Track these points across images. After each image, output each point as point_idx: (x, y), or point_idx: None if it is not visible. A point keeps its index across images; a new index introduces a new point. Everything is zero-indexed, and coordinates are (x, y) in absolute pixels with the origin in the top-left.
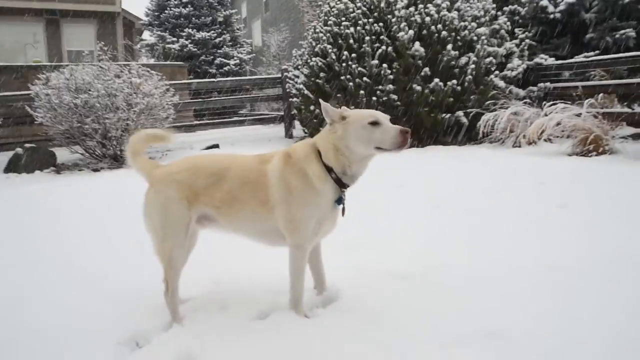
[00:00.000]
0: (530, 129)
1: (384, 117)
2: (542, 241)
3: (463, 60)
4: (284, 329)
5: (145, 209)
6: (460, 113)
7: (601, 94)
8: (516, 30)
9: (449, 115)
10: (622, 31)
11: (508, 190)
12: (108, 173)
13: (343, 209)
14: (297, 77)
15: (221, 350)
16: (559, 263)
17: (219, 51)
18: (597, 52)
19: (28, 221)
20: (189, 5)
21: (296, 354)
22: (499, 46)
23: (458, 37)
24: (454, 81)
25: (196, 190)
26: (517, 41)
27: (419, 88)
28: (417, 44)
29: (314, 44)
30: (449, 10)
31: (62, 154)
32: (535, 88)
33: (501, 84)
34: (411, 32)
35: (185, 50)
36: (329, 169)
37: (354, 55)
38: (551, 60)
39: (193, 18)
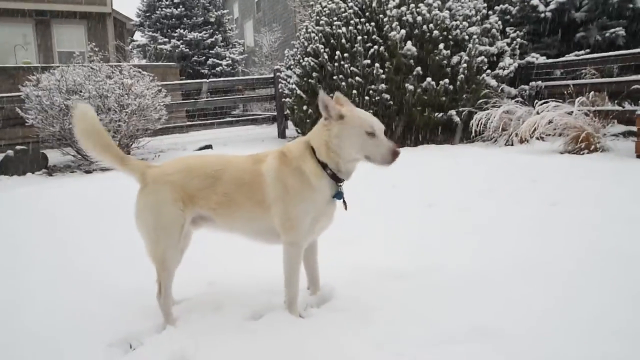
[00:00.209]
0: (522, 128)
1: (379, 129)
2: (536, 239)
3: (455, 59)
4: (278, 329)
5: (137, 210)
6: (452, 112)
7: (592, 92)
8: (507, 29)
9: (441, 114)
10: (612, 30)
11: (501, 189)
12: (100, 174)
13: (344, 203)
14: (290, 77)
15: (215, 351)
16: (553, 261)
17: (211, 52)
18: (587, 50)
19: (21, 223)
20: (181, 6)
21: (290, 353)
22: (490, 45)
23: (450, 37)
24: (446, 80)
25: (190, 192)
26: (508, 40)
27: (411, 87)
28: (409, 44)
29: (306, 44)
30: (440, 10)
31: (54, 156)
32: (527, 87)
33: (493, 82)
34: (403, 31)
35: (177, 51)
36: (324, 165)
37: (346, 55)
38: (542, 59)
39: (185, 18)
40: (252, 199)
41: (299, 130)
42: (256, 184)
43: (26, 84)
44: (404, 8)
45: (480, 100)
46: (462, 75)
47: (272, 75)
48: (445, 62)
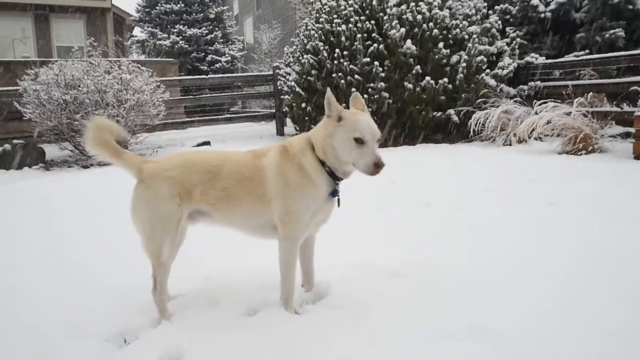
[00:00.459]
0: (520, 128)
1: (372, 137)
2: (534, 239)
3: (454, 58)
4: (274, 325)
5: (133, 205)
6: (451, 111)
7: (591, 93)
8: (507, 29)
9: (440, 113)
10: (612, 31)
11: (499, 189)
12: (98, 169)
13: (338, 201)
14: (289, 74)
15: (210, 346)
16: (551, 261)
17: (210, 48)
18: (586, 51)
19: (18, 217)
20: (180, 2)
21: (285, 349)
22: (490, 45)
23: (449, 36)
24: (446, 79)
25: (189, 188)
26: (508, 40)
27: (410, 86)
28: (408, 42)
29: (305, 41)
30: (440, 9)
31: (51, 151)
32: (525, 87)
33: (492, 82)
34: (403, 30)
35: (176, 46)
36: (323, 162)
37: (345, 52)
38: (541, 59)
39: (184, 14)
40: (252, 194)
41: (298, 128)
42: (257, 178)
43: (24, 78)
44: (404, 6)
45: (479, 100)
46: (461, 75)
47: (271, 73)
48: (444, 61)
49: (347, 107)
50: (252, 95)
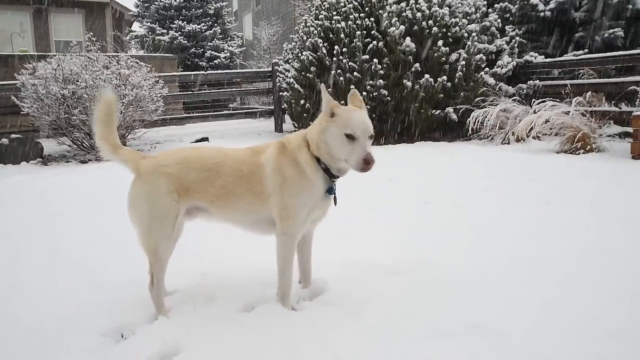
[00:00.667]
0: (519, 126)
1: (363, 133)
2: (532, 239)
3: (453, 56)
4: (270, 321)
5: (131, 200)
6: (450, 109)
7: (589, 93)
8: (506, 27)
9: (439, 111)
10: (611, 30)
11: (497, 187)
12: (96, 165)
13: (335, 199)
14: (288, 71)
15: (206, 341)
16: (549, 260)
17: (209, 44)
18: (586, 50)
19: (15, 212)
20: None
21: (281, 345)
22: (489, 43)
23: (449, 34)
24: (444, 77)
25: (187, 185)
26: (507, 38)
27: (409, 84)
28: (407, 40)
29: (304, 38)
30: (440, 7)
31: (49, 145)
32: (524, 85)
33: (491, 80)
34: (402, 27)
35: (175, 42)
36: (318, 159)
37: (344, 49)
38: (540, 58)
39: (183, 10)
40: (251, 191)
41: (296, 125)
42: (255, 175)
43: (22, 72)
44: (403, 4)
45: (478, 98)
46: (460, 73)
47: (270, 69)
48: (443, 59)
49: (346, 104)
50: (251, 91)
